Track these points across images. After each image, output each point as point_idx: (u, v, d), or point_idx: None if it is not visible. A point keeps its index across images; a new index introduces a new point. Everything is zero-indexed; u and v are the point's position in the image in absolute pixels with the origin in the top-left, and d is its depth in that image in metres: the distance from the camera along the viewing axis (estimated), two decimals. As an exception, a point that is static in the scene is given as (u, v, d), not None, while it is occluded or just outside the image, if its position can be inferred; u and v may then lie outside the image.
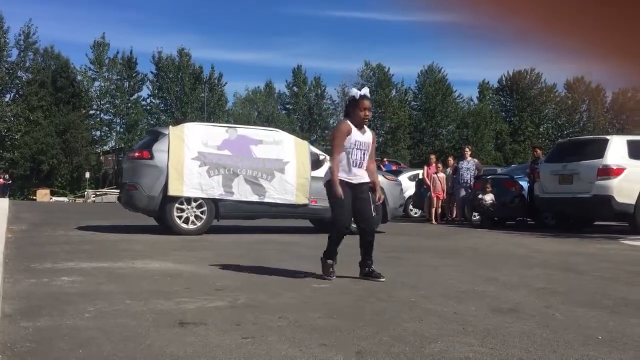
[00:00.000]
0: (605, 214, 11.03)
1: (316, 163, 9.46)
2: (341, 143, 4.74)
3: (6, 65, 46.19)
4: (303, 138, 12.48)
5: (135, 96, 51.47)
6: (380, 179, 10.07)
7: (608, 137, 11.19)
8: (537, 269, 5.76)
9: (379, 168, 17.34)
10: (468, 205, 14.03)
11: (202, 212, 9.07)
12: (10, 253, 6.31)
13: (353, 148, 4.74)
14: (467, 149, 14.90)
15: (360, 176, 4.81)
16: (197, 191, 8.93)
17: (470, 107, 56.66)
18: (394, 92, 55.03)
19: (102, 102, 50.78)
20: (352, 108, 4.82)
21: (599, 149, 10.71)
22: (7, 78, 46.25)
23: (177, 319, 3.31)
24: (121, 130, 51.06)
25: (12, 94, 47.54)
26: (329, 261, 4.84)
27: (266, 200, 9.22)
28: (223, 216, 9.29)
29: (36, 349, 2.69)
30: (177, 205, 8.94)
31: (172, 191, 8.82)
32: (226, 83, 54.46)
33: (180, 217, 8.97)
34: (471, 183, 13.82)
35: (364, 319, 3.40)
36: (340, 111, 54.78)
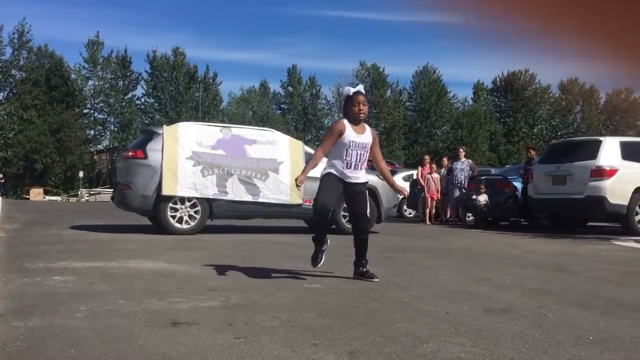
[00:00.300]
0: (598, 215, 11.09)
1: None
2: (328, 141, 4.66)
3: (0, 64, 45.98)
4: (298, 138, 12.49)
5: (129, 95, 51.39)
6: (375, 178, 10.17)
7: (601, 138, 11.25)
8: (530, 270, 5.78)
9: (372, 168, 17.37)
10: (462, 206, 14.07)
11: (196, 212, 9.06)
12: (2, 252, 6.30)
13: (348, 148, 4.62)
14: (461, 150, 14.95)
15: (356, 177, 4.71)
16: (191, 191, 8.92)
17: (464, 107, 56.79)
18: (388, 92, 55.09)
19: (96, 101, 50.63)
20: (347, 105, 4.73)
21: (592, 150, 10.76)
22: (0, 77, 46.03)
23: (170, 318, 3.30)
24: (115, 129, 50.93)
25: (6, 93, 47.37)
26: (317, 247, 4.76)
27: (260, 200, 9.22)
28: (217, 216, 9.29)
29: (28, 348, 2.68)
30: (170, 204, 8.92)
31: (166, 191, 8.80)
32: (221, 82, 54.35)
33: (174, 217, 8.96)
34: (465, 184, 13.86)
35: (356, 319, 3.41)
36: (335, 111, 54.81)
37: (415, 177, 15.67)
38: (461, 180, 13.98)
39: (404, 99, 56.97)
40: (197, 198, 8.99)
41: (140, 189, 8.87)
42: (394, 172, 17.07)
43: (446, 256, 6.99)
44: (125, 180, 9.10)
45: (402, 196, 5.12)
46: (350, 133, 4.62)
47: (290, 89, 56.16)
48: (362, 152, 4.69)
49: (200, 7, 77.50)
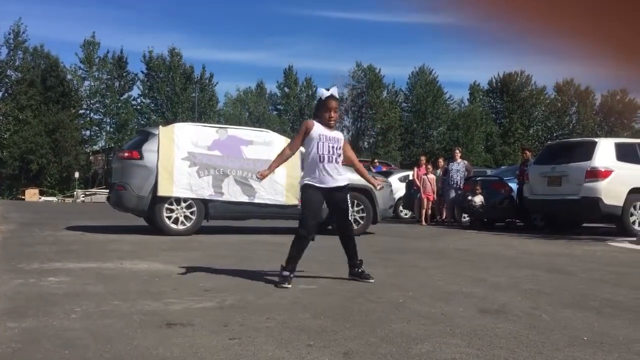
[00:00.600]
0: (593, 216, 11.12)
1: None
2: (297, 139, 4.68)
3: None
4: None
5: (125, 96, 51.22)
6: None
7: (596, 139, 11.28)
8: (525, 270, 5.79)
9: (369, 169, 17.40)
10: (458, 207, 14.09)
11: (191, 213, 9.05)
12: (-3, 253, 6.28)
13: (318, 142, 4.56)
14: (457, 151, 14.98)
15: (334, 178, 4.63)
16: (187, 191, 8.91)
17: (460, 108, 56.88)
18: (385, 93, 55.11)
19: (92, 101, 50.48)
20: (319, 109, 4.69)
21: (588, 151, 10.78)
22: (-4, 77, 45.93)
23: (165, 319, 3.30)
24: (111, 130, 50.78)
25: (1, 93, 47.20)
26: (285, 272, 4.53)
27: (256, 200, 9.22)
28: (213, 217, 9.28)
29: (22, 349, 2.67)
30: (166, 205, 8.91)
31: (162, 191, 8.79)
32: (217, 83, 54.36)
33: (169, 218, 8.95)
34: (461, 184, 13.88)
35: (351, 319, 3.41)
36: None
37: (411, 178, 15.69)
38: (457, 181, 14.00)
39: (400, 100, 57.01)
40: (192, 199, 8.99)
41: (136, 190, 8.86)
42: (389, 173, 17.09)
43: (441, 257, 7.00)
44: (121, 180, 9.08)
45: (380, 187, 5.09)
46: (318, 128, 4.62)
47: (286, 89, 56.15)
48: (335, 145, 4.62)
49: (197, 7, 77.45)
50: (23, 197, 40.20)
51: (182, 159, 8.94)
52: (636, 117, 58.80)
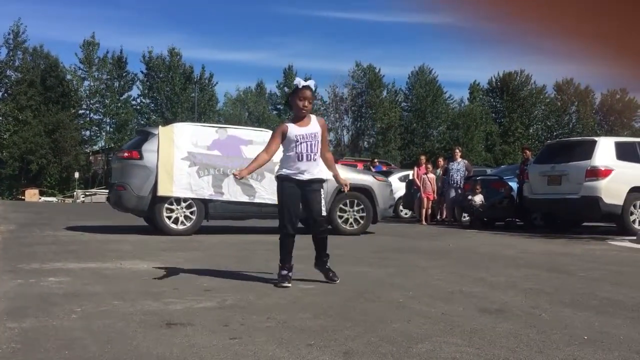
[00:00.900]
0: (593, 215, 11.11)
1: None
2: (272, 142, 4.61)
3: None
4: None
5: (125, 96, 51.18)
6: (370, 179, 10.19)
7: (596, 138, 11.27)
8: (524, 270, 5.79)
9: (369, 169, 17.40)
10: (458, 206, 14.10)
11: (191, 213, 9.05)
12: (-3, 253, 6.28)
13: (296, 143, 4.51)
14: (457, 150, 14.97)
15: (311, 172, 4.58)
16: (187, 191, 8.91)
17: (460, 108, 56.86)
18: (384, 93, 55.09)
19: (91, 101, 50.44)
20: (292, 97, 4.62)
21: (588, 150, 10.78)
22: (-5, 77, 45.91)
23: (165, 319, 3.30)
24: (111, 130, 50.75)
25: (1, 93, 47.17)
26: (283, 271, 4.54)
27: (256, 200, 9.21)
28: (213, 216, 9.28)
29: (22, 349, 2.67)
30: (166, 205, 8.92)
31: (162, 191, 8.79)
32: (217, 83, 54.28)
33: (169, 218, 8.95)
34: (461, 184, 13.88)
35: (351, 319, 3.41)
36: (332, 111, 54.82)
37: (411, 177, 15.69)
38: (457, 181, 14.00)
39: (400, 100, 56.99)
40: (192, 199, 8.99)
41: (136, 190, 8.86)
42: (389, 173, 17.10)
43: (441, 256, 7.00)
44: (120, 181, 9.09)
45: (345, 190, 4.98)
46: (293, 129, 4.55)
47: (286, 89, 56.11)
48: (313, 142, 4.56)
49: (196, 7, 77.45)
50: (23, 197, 40.18)
51: (182, 158, 8.94)
52: (636, 116, 58.89)
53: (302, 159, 4.55)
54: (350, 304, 3.89)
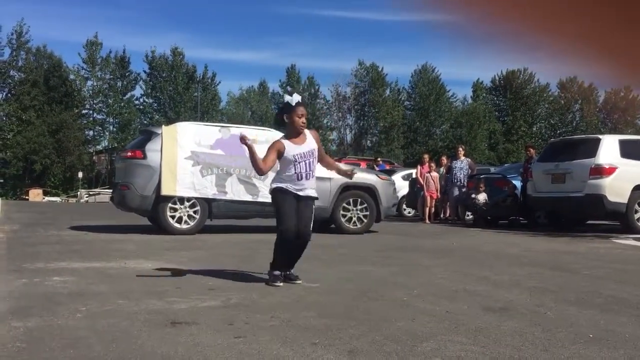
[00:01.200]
0: (597, 213, 11.09)
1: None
2: (268, 159, 4.45)
3: (-2, 65, 45.97)
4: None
5: (128, 95, 51.32)
6: (374, 178, 10.17)
7: (600, 136, 11.25)
8: (529, 268, 5.78)
9: (372, 168, 17.38)
10: (461, 205, 14.08)
11: (195, 212, 9.05)
12: (2, 253, 6.30)
13: (295, 163, 4.46)
14: (460, 149, 14.95)
15: (308, 189, 4.55)
16: (190, 191, 8.91)
17: (464, 106, 56.79)
18: (387, 91, 55.05)
19: (95, 101, 50.58)
20: (288, 114, 4.53)
21: (591, 148, 10.75)
22: (-1, 77, 46.02)
23: (169, 318, 3.30)
24: (114, 129, 50.88)
25: (5, 94, 47.34)
26: (275, 272, 4.55)
27: (260, 199, 9.20)
28: (216, 216, 9.28)
29: (27, 349, 2.68)
30: (170, 204, 8.92)
31: (165, 191, 8.80)
32: (220, 82, 54.29)
33: (173, 217, 8.95)
34: (464, 182, 13.87)
35: (356, 318, 3.40)
36: (335, 110, 54.78)
37: (414, 176, 15.67)
38: (460, 179, 13.98)
39: (402, 98, 56.94)
40: (196, 198, 8.99)
41: (140, 189, 8.87)
42: (393, 172, 17.07)
43: (445, 255, 6.99)
44: (124, 180, 9.10)
45: (352, 174, 4.96)
46: (291, 148, 4.47)
47: (289, 88, 56.12)
48: (311, 159, 4.53)
49: (199, 6, 77.46)
50: (27, 197, 40.29)
51: (185, 158, 8.94)
52: (640, 114, 58.69)
53: (301, 178, 4.50)
54: (354, 302, 3.89)
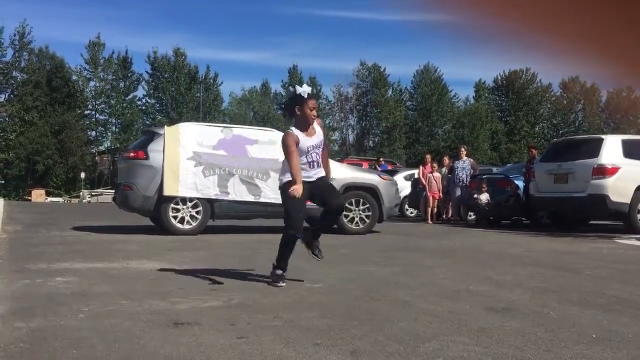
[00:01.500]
0: (600, 213, 11.07)
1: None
2: (294, 148, 4.44)
3: (1, 65, 45.96)
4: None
5: (130, 96, 51.26)
6: (376, 178, 10.17)
7: (603, 136, 11.22)
8: (531, 268, 5.77)
9: (374, 168, 17.37)
10: (464, 205, 14.06)
11: (197, 212, 9.06)
12: (4, 253, 6.30)
13: (307, 153, 4.53)
14: (462, 149, 14.92)
15: (318, 173, 4.64)
16: (193, 191, 8.92)
17: (466, 106, 56.72)
18: (390, 92, 55.01)
19: (97, 102, 50.56)
20: (299, 106, 4.54)
21: (594, 148, 10.73)
22: (1, 78, 46.03)
23: (172, 319, 3.30)
24: (116, 130, 50.88)
25: (7, 94, 47.34)
26: (278, 271, 4.56)
27: (262, 200, 9.21)
28: (218, 216, 9.29)
29: (30, 349, 2.68)
30: (172, 205, 8.93)
31: (168, 191, 8.81)
32: (222, 83, 54.25)
33: (175, 217, 8.96)
34: (467, 182, 13.85)
35: (358, 318, 3.40)
36: (337, 111, 54.75)
37: (416, 176, 15.65)
38: (463, 179, 13.97)
39: (405, 99, 56.88)
40: (198, 198, 9.00)
41: (142, 190, 8.88)
42: (395, 172, 17.06)
43: (448, 255, 6.98)
44: (126, 181, 9.11)
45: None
46: (304, 140, 4.52)
47: (291, 88, 56.07)
48: (319, 150, 4.63)
49: (201, 7, 77.49)
50: (29, 198, 40.32)
51: (188, 158, 8.95)
52: (643, 114, 58.55)
53: (313, 166, 4.59)
54: (356, 303, 3.88)
